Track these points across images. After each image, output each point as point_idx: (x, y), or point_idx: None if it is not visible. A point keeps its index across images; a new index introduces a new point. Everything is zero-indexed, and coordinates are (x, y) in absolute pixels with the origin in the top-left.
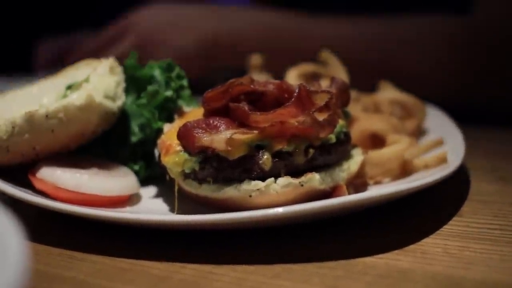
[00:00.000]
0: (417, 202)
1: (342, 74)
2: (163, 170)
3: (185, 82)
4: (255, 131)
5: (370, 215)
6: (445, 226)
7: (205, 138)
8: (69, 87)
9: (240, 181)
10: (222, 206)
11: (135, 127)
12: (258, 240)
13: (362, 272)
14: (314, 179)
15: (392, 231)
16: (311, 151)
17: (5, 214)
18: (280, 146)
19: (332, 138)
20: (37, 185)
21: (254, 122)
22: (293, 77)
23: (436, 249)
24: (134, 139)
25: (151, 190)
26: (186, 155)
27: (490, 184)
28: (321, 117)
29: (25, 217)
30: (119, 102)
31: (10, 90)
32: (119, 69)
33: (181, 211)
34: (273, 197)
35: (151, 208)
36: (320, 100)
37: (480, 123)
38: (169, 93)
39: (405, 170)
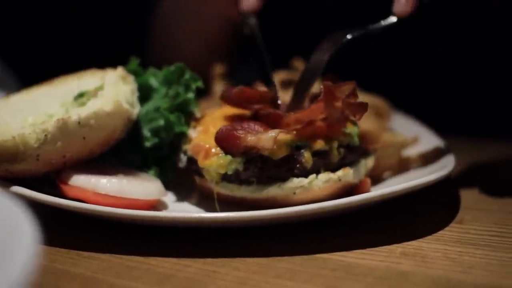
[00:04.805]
0: (418, 208)
1: None
2: (193, 173)
3: (200, 84)
4: (294, 132)
5: (372, 220)
6: (446, 233)
7: (250, 138)
8: (81, 95)
9: (284, 180)
10: (262, 205)
11: (146, 133)
12: (262, 241)
13: (363, 274)
14: (349, 174)
15: (393, 236)
16: (342, 150)
17: (21, 210)
18: (319, 146)
19: (356, 140)
20: (72, 192)
21: (286, 124)
22: None
23: (436, 254)
24: (147, 144)
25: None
26: (230, 157)
27: (492, 193)
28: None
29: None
30: (136, 110)
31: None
32: (131, 78)
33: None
34: (315, 193)
35: (175, 209)
36: (343, 93)
37: (489, 135)
38: (190, 95)
39: (403, 164)
